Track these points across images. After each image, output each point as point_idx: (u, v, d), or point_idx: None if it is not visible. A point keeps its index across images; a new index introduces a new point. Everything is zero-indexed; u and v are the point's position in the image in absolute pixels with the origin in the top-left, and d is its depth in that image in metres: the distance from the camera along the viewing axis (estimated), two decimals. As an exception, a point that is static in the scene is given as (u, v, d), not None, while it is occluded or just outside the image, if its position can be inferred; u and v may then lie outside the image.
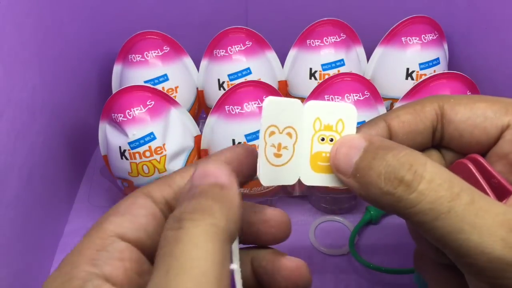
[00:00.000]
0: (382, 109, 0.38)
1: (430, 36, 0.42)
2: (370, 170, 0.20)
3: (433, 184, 0.19)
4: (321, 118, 0.22)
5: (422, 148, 0.24)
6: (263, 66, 0.43)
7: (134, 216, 0.20)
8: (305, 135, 0.22)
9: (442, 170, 0.19)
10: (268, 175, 0.21)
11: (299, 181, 0.22)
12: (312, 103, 0.22)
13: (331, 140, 0.22)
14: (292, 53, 0.45)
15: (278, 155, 0.21)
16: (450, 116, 0.23)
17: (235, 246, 0.20)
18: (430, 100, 0.23)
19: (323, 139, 0.22)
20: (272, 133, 0.21)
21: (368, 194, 0.20)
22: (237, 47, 0.42)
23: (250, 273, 0.22)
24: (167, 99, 0.38)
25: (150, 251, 0.20)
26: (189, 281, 0.16)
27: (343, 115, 0.22)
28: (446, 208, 0.18)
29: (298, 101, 0.22)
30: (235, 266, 0.20)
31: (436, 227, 0.18)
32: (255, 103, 0.36)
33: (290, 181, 0.22)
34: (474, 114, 0.22)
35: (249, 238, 0.22)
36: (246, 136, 0.36)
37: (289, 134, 0.22)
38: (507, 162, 0.22)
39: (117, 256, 0.19)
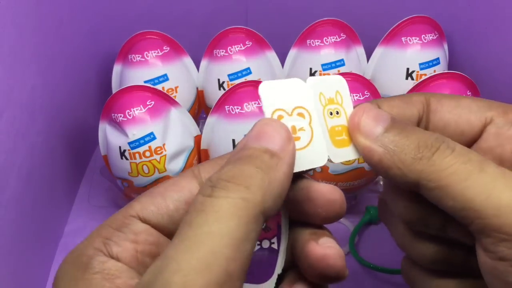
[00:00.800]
0: (382, 109, 0.38)
1: (430, 36, 0.42)
2: (403, 135, 0.21)
3: (464, 151, 0.20)
4: (323, 93, 0.21)
5: None
6: (263, 66, 0.43)
7: (164, 199, 0.20)
8: (317, 112, 0.21)
9: (467, 148, 0.20)
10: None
11: None
12: (313, 79, 0.21)
13: (337, 113, 0.22)
14: (292, 53, 0.45)
15: (296, 139, 0.20)
16: (436, 106, 0.23)
17: (285, 222, 0.20)
18: (418, 93, 0.24)
19: (331, 113, 0.22)
20: (281, 117, 0.20)
21: (396, 160, 0.20)
22: (237, 47, 0.42)
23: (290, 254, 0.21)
24: (167, 99, 0.38)
25: (173, 235, 0.20)
26: (195, 257, 0.15)
27: (338, 87, 0.22)
28: (478, 168, 0.19)
29: (297, 79, 0.21)
30: (282, 247, 0.20)
31: (468, 187, 0.19)
32: (255, 103, 0.36)
33: (320, 162, 0.21)
34: (459, 106, 0.23)
35: (297, 216, 0.21)
36: (246, 136, 0.36)
37: (301, 115, 0.21)
38: (493, 156, 0.22)
39: (131, 238, 0.19)
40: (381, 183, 0.42)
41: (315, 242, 0.20)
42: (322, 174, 0.37)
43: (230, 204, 0.16)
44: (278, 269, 0.20)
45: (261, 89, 0.20)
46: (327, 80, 0.22)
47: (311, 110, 0.21)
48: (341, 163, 0.36)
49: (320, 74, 0.42)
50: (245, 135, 0.18)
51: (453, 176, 0.19)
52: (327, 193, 0.20)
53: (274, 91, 0.20)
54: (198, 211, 0.16)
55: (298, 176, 0.20)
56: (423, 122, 0.23)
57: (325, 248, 0.19)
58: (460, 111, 0.23)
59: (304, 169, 0.20)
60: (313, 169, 0.20)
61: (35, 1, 0.35)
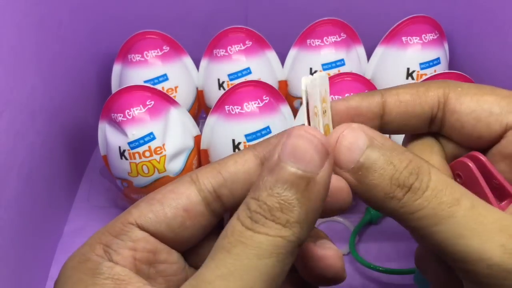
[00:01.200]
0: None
1: (431, 35, 0.42)
2: (376, 172, 0.20)
3: (436, 190, 0.19)
4: (323, 90, 0.21)
5: (415, 131, 0.23)
6: (263, 66, 0.43)
7: (163, 206, 0.20)
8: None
9: (443, 177, 0.19)
10: None
11: None
12: (322, 73, 0.21)
13: (325, 112, 0.21)
14: (292, 53, 0.44)
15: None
16: (454, 106, 0.22)
17: None
18: (437, 85, 0.23)
19: (324, 112, 0.21)
20: (316, 114, 0.20)
21: (369, 194, 0.20)
22: (237, 47, 0.42)
23: None
24: (167, 99, 0.38)
25: (171, 242, 0.20)
26: (231, 285, 0.16)
27: (326, 84, 0.21)
28: (447, 214, 0.18)
29: (324, 73, 0.20)
30: None
31: (436, 232, 0.18)
32: (255, 103, 0.36)
33: None
34: (480, 108, 0.22)
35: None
36: (246, 136, 0.36)
37: (325, 112, 0.21)
38: (511, 162, 0.22)
39: (129, 245, 0.19)
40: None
41: (313, 243, 0.20)
42: (322, 174, 0.37)
43: (270, 241, 0.16)
44: None
45: (306, 82, 0.19)
46: (322, 76, 0.21)
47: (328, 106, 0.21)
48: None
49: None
50: (279, 142, 0.17)
51: (422, 221, 0.19)
52: (329, 259, 0.20)
53: (313, 84, 0.19)
54: (237, 241, 0.17)
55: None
56: (437, 121, 0.22)
57: (324, 249, 0.19)
58: (480, 113, 0.22)
59: None
60: None
61: (35, 1, 0.35)
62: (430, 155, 0.23)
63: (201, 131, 0.39)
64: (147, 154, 0.35)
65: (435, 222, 0.18)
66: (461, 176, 0.23)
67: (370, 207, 0.21)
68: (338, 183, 0.19)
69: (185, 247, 0.21)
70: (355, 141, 0.20)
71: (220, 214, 0.21)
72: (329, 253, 0.19)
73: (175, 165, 0.37)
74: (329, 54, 0.42)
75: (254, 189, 0.17)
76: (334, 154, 0.20)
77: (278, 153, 0.17)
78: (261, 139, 0.22)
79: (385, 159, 0.20)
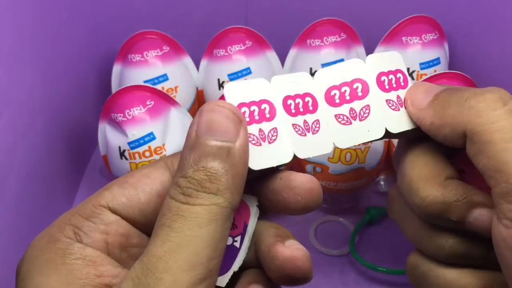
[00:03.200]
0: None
1: (431, 35, 0.42)
2: (453, 95, 0.21)
3: None
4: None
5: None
6: (263, 66, 0.43)
7: (136, 191, 0.20)
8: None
9: None
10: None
11: None
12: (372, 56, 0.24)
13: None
14: (292, 53, 0.44)
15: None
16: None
17: (253, 222, 0.21)
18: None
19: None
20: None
21: (444, 115, 0.21)
22: (237, 46, 0.42)
23: (253, 254, 0.21)
24: (166, 99, 0.38)
25: (143, 227, 0.20)
26: (181, 258, 0.17)
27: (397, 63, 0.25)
28: None
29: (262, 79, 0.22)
30: (244, 245, 0.21)
31: (508, 149, 0.19)
32: (255, 103, 0.36)
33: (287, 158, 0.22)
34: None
35: (275, 206, 0.21)
36: (246, 136, 0.36)
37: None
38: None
39: (101, 228, 0.19)
40: (381, 183, 0.42)
41: (282, 243, 0.20)
42: (322, 174, 0.37)
43: (206, 210, 0.18)
44: (235, 266, 0.20)
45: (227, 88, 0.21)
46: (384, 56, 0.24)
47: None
48: (341, 163, 0.36)
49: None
50: (191, 126, 0.19)
51: (497, 134, 0.19)
52: (306, 182, 0.20)
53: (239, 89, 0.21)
54: (176, 216, 0.17)
55: (275, 169, 0.21)
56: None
57: (293, 250, 0.19)
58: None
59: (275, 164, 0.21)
60: (284, 165, 0.22)
61: (35, 1, 0.35)
62: (432, 153, 0.23)
63: (201, 131, 0.39)
64: (147, 154, 0.35)
65: (510, 137, 0.19)
66: (464, 171, 0.23)
67: (446, 138, 0.21)
68: (311, 184, 0.20)
69: None
70: (431, 86, 0.23)
71: None
72: (298, 254, 0.19)
73: (175, 165, 0.37)
74: (329, 54, 0.42)
75: (179, 169, 0.18)
76: (413, 98, 0.23)
77: (194, 130, 0.18)
78: None
79: (462, 89, 0.21)
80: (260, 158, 0.20)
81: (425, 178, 0.22)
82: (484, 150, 0.19)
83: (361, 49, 0.45)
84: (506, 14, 0.39)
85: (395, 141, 0.38)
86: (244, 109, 0.20)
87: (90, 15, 0.45)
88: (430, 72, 0.41)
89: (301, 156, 0.21)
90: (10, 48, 0.31)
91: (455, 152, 0.23)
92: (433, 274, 0.23)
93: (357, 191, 0.39)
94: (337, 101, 0.22)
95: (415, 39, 0.42)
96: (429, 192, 0.22)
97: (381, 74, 0.23)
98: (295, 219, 0.41)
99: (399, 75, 0.24)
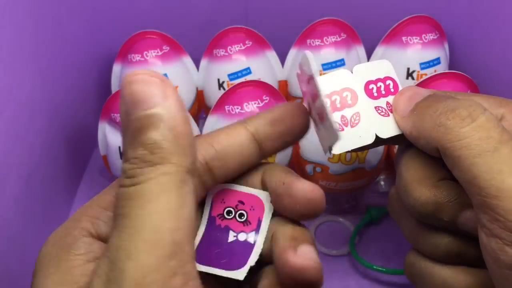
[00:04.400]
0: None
1: (431, 35, 0.42)
2: (428, 108, 0.22)
3: (487, 125, 0.20)
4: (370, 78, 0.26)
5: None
6: (263, 66, 0.43)
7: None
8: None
9: (496, 120, 0.20)
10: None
11: None
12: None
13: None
14: (292, 52, 0.44)
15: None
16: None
17: (267, 218, 0.21)
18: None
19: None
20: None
21: (420, 129, 0.22)
22: (237, 46, 0.42)
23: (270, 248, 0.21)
24: (167, 99, 0.38)
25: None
26: (140, 240, 0.15)
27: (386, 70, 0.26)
28: (492, 148, 0.19)
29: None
30: (258, 241, 0.20)
31: (476, 164, 0.19)
32: (255, 103, 0.36)
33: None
34: None
35: (277, 209, 0.21)
36: (246, 136, 0.36)
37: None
38: None
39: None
40: (382, 183, 0.42)
41: (293, 251, 0.19)
42: (322, 174, 0.37)
43: (154, 184, 0.16)
44: (251, 261, 0.20)
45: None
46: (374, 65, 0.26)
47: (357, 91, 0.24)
48: (342, 163, 0.36)
49: (321, 74, 0.42)
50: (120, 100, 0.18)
51: (464, 150, 0.20)
52: (308, 192, 0.20)
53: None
54: (126, 202, 0.16)
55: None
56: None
57: (303, 260, 0.19)
58: None
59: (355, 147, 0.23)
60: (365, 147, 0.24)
61: (35, 1, 0.35)
62: (426, 155, 0.23)
63: (201, 131, 0.39)
64: (147, 154, 0.35)
65: (478, 153, 0.19)
66: None
67: (423, 148, 0.22)
68: (312, 195, 0.20)
69: None
70: (417, 92, 0.23)
71: (209, 187, 0.21)
72: (309, 265, 0.19)
73: (175, 165, 0.37)
74: (329, 54, 0.42)
75: (123, 156, 0.18)
76: (396, 105, 0.24)
77: (122, 110, 0.17)
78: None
79: (441, 100, 0.22)
80: (343, 142, 0.22)
81: (419, 180, 0.23)
82: (456, 165, 0.20)
83: (361, 49, 0.45)
84: (506, 14, 0.39)
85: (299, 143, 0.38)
86: (325, 100, 0.22)
87: (90, 15, 0.45)
88: (430, 72, 0.41)
89: (383, 136, 0.23)
90: (10, 48, 0.31)
91: None
92: (429, 272, 0.24)
93: (357, 191, 0.39)
94: (338, 105, 0.24)
95: (415, 39, 0.42)
96: (422, 193, 0.22)
97: (368, 82, 0.25)
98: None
99: (388, 82, 0.25)
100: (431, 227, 0.23)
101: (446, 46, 0.44)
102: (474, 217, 0.21)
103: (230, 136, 0.21)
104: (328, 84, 0.24)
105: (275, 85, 0.41)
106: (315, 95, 0.21)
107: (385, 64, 0.26)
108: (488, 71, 0.42)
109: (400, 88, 0.25)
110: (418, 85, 0.37)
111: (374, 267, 0.36)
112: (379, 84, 0.25)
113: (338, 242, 0.39)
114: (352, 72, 0.25)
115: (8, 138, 0.31)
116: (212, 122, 0.38)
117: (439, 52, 0.42)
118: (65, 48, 0.41)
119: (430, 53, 0.42)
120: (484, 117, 0.20)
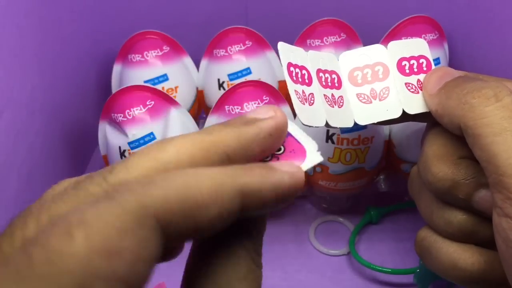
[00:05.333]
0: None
1: (431, 36, 0.42)
2: (456, 87, 0.22)
3: (509, 106, 0.20)
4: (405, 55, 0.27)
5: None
6: (263, 66, 0.43)
7: None
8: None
9: None
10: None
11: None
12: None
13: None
14: (292, 53, 0.44)
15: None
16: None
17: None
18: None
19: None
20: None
21: (445, 106, 0.22)
22: (237, 47, 0.42)
23: None
24: (167, 99, 0.38)
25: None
26: None
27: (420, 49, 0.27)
28: None
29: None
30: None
31: (495, 142, 0.20)
32: (255, 103, 0.36)
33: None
34: None
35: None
36: (246, 136, 0.36)
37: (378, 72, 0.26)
38: None
39: None
40: (382, 183, 0.42)
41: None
42: (322, 174, 0.37)
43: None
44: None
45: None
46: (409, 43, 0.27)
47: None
48: (341, 163, 0.36)
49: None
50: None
51: (486, 128, 0.20)
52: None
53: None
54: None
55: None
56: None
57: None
58: None
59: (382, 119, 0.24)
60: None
61: (35, 1, 0.35)
62: (450, 134, 0.24)
63: (201, 131, 0.39)
64: (147, 154, 0.35)
65: (499, 131, 0.20)
66: None
67: (447, 126, 0.23)
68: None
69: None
70: (448, 71, 0.24)
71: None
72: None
73: (175, 165, 0.37)
74: (329, 54, 0.42)
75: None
76: (426, 83, 0.24)
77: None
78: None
79: (470, 80, 0.22)
80: (370, 113, 0.23)
81: (439, 156, 0.23)
82: (476, 143, 0.20)
83: (361, 49, 0.45)
84: (506, 14, 0.39)
85: (394, 141, 0.38)
86: (357, 72, 0.23)
87: (90, 15, 0.45)
88: (430, 72, 0.41)
89: (410, 112, 0.24)
90: (10, 48, 0.31)
91: None
92: (438, 246, 0.24)
93: (357, 191, 0.39)
94: (360, 81, 0.25)
95: (415, 39, 0.42)
96: (440, 169, 0.23)
97: (402, 59, 0.25)
98: (295, 219, 0.41)
99: (422, 60, 0.25)
100: (446, 203, 0.24)
101: (446, 46, 0.44)
102: (489, 197, 0.21)
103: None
104: (360, 59, 0.25)
105: (275, 85, 0.41)
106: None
107: (421, 43, 0.26)
108: (488, 71, 0.42)
109: (433, 67, 0.25)
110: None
111: (374, 266, 0.36)
112: (412, 61, 0.25)
113: (338, 242, 0.39)
114: (386, 48, 0.25)
115: (8, 138, 0.31)
116: (212, 122, 0.38)
117: (439, 52, 0.42)
118: (65, 48, 0.41)
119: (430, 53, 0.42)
120: (510, 98, 0.20)
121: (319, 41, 0.43)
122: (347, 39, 0.43)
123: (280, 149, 0.19)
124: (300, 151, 0.19)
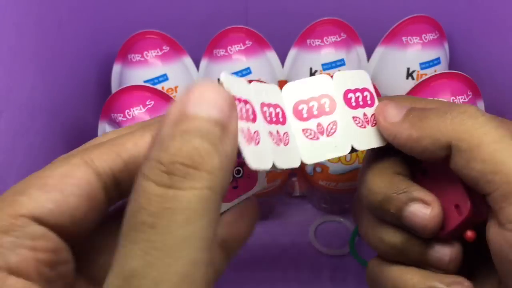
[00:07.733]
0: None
1: (431, 35, 0.42)
2: (427, 110, 0.22)
3: (495, 118, 0.20)
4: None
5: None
6: (263, 66, 0.43)
7: (63, 194, 0.16)
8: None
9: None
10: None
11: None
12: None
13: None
14: (292, 52, 0.44)
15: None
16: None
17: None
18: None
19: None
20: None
21: (423, 127, 0.21)
22: (237, 46, 0.42)
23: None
24: (166, 99, 0.38)
25: (72, 237, 0.16)
26: (174, 272, 0.12)
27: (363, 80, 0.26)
28: (510, 134, 0.19)
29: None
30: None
31: (499, 149, 0.19)
32: (255, 103, 0.36)
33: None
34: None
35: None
36: (246, 136, 0.36)
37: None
38: None
39: (28, 244, 0.15)
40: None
41: None
42: (322, 174, 0.37)
43: (198, 197, 0.13)
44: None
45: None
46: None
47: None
48: (341, 163, 0.36)
49: (321, 73, 0.42)
50: (177, 98, 0.15)
51: (485, 137, 0.19)
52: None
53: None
54: (161, 209, 0.13)
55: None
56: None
57: None
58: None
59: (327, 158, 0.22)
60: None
61: (35, 1, 0.35)
62: (388, 153, 0.24)
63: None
64: (147, 154, 0.35)
65: (499, 138, 0.19)
66: (427, 171, 0.24)
67: (427, 148, 0.21)
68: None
69: (81, 243, 0.17)
70: (400, 102, 0.24)
71: (113, 203, 0.18)
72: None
73: (175, 165, 0.37)
74: (329, 54, 0.42)
75: (158, 143, 0.14)
76: (385, 112, 0.23)
77: (179, 107, 0.15)
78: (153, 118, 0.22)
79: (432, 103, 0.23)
80: (318, 151, 0.22)
81: (375, 171, 0.23)
82: (476, 155, 0.19)
83: (361, 49, 0.45)
84: (506, 14, 0.39)
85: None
86: (302, 105, 0.22)
87: (90, 15, 0.45)
88: (430, 72, 0.41)
89: (360, 148, 0.23)
90: (10, 48, 0.31)
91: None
92: (382, 273, 0.24)
93: (357, 191, 0.39)
94: (305, 115, 0.23)
95: (415, 39, 0.42)
96: (374, 182, 0.23)
97: (348, 91, 0.24)
98: (295, 219, 0.41)
99: (366, 93, 0.24)
100: (380, 221, 0.24)
101: (446, 46, 0.44)
102: (419, 212, 0.21)
103: (138, 145, 0.17)
104: (305, 90, 0.23)
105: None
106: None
107: (363, 74, 0.25)
108: (488, 71, 0.42)
109: (376, 101, 0.25)
110: (418, 85, 0.37)
111: (374, 267, 0.36)
112: (357, 94, 0.24)
113: (338, 242, 0.39)
114: (332, 78, 0.24)
115: (8, 138, 0.31)
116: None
117: (439, 52, 0.42)
118: (65, 48, 0.41)
119: (430, 53, 0.42)
120: (488, 114, 0.20)
121: (319, 41, 0.43)
122: (347, 39, 0.43)
123: (239, 172, 0.21)
124: (254, 179, 0.21)
